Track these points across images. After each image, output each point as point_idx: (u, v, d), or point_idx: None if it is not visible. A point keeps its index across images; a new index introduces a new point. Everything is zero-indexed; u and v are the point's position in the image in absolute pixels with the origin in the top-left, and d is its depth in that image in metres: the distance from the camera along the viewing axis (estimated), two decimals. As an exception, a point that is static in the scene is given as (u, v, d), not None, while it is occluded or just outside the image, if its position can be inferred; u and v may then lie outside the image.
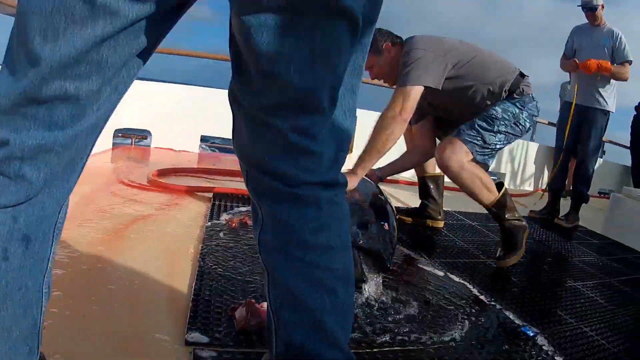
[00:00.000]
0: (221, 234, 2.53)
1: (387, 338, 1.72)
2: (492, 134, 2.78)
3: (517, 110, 2.83)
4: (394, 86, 3.07)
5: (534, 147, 7.46)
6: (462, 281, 2.45)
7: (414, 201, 3.73)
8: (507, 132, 2.82)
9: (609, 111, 4.50)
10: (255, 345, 1.53)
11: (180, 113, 5.35)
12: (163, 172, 3.86)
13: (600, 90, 4.43)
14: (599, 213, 5.47)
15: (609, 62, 4.29)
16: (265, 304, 1.70)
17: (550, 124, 7.34)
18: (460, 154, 2.74)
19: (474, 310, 2.11)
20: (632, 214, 4.54)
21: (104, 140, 4.82)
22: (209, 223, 2.70)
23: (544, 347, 1.88)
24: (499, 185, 2.87)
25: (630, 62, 4.34)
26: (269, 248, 1.04)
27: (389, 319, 1.88)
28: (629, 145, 7.73)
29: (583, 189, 4.62)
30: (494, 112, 2.80)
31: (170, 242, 2.39)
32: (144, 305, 1.72)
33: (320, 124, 0.96)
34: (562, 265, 3.26)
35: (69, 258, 1.99)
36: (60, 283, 1.75)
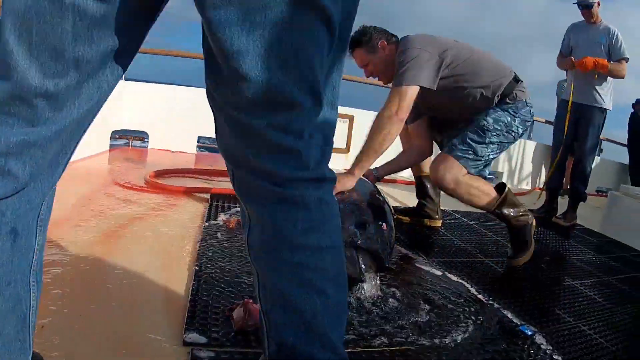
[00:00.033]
0: (218, 235, 2.53)
1: (385, 338, 1.71)
2: (483, 145, 2.78)
3: (509, 119, 2.82)
4: (388, 84, 3.09)
5: (531, 145, 7.47)
6: (460, 280, 2.45)
7: (412, 201, 3.72)
8: (499, 142, 2.83)
9: (605, 109, 4.50)
10: (253, 345, 1.52)
11: (177, 114, 5.35)
12: (160, 173, 3.86)
13: (597, 87, 4.42)
14: (596, 211, 5.47)
15: (606, 60, 4.29)
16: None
17: (547, 122, 7.34)
18: (454, 171, 2.75)
19: (472, 310, 2.11)
20: (629, 212, 4.54)
21: (101, 142, 4.82)
22: (207, 224, 2.70)
23: (542, 346, 1.88)
24: (502, 187, 2.88)
25: (626, 60, 4.34)
26: (257, 250, 1.03)
27: (387, 318, 1.87)
28: (626, 143, 7.75)
29: (580, 187, 4.62)
30: (485, 123, 2.80)
31: (167, 242, 2.39)
32: (142, 306, 1.72)
33: (300, 120, 0.93)
34: (560, 264, 3.26)
35: (68, 258, 2.00)
36: (59, 283, 1.76)
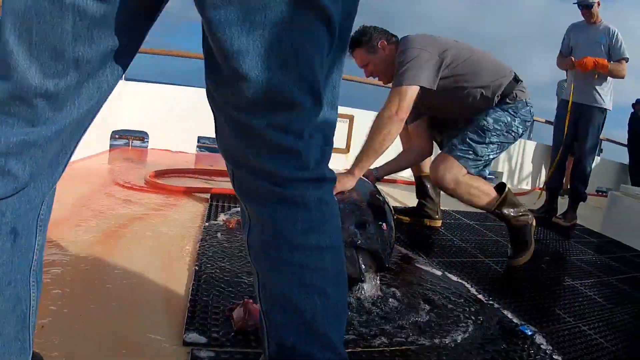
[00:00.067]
0: (218, 235, 2.53)
1: (385, 338, 1.71)
2: (483, 145, 2.78)
3: (509, 119, 2.82)
4: (388, 85, 3.09)
5: (531, 145, 7.47)
6: (460, 280, 2.45)
7: (412, 201, 3.72)
8: (499, 142, 2.82)
9: (605, 109, 4.49)
10: (253, 345, 1.52)
11: (177, 114, 5.35)
12: (160, 173, 3.86)
13: (597, 87, 4.42)
14: (596, 211, 5.47)
15: (606, 60, 4.29)
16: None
17: (547, 122, 7.34)
18: (454, 171, 2.75)
19: (472, 310, 2.10)
20: (629, 212, 4.54)
21: (101, 142, 4.82)
22: (207, 223, 2.70)
23: (542, 346, 1.88)
24: (502, 186, 2.88)
25: (626, 60, 4.33)
26: (257, 249, 1.03)
27: (387, 318, 1.87)
28: (626, 143, 7.74)
29: (580, 187, 4.61)
30: (485, 122, 2.80)
31: (167, 242, 2.39)
32: (142, 306, 1.72)
33: (300, 120, 0.93)
34: (560, 264, 3.26)
35: (68, 258, 2.00)
36: (59, 283, 1.76)
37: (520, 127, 2.87)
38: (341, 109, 5.35)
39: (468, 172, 2.77)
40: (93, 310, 1.63)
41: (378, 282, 2.06)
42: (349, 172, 2.53)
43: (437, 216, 3.52)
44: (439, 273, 2.50)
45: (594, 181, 6.75)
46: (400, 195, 4.64)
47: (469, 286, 2.39)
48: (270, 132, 0.91)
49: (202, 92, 0.99)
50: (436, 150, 3.39)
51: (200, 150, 5.70)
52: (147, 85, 5.48)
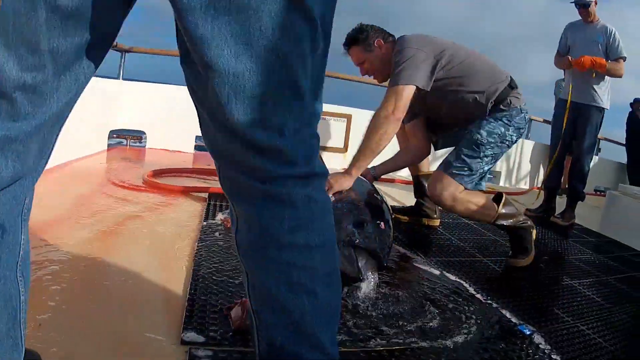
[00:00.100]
0: (216, 234, 2.53)
1: (383, 337, 1.71)
2: (478, 160, 2.77)
3: (503, 129, 2.79)
4: (383, 83, 3.09)
5: (529, 145, 7.47)
6: (458, 280, 2.44)
7: (410, 200, 3.73)
8: (493, 153, 2.81)
9: (603, 108, 4.49)
10: (250, 344, 1.52)
11: (174, 113, 5.33)
12: (158, 173, 3.85)
13: (595, 87, 4.42)
14: (595, 211, 5.47)
15: (604, 59, 4.29)
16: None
17: (545, 121, 7.34)
18: (451, 189, 2.75)
19: (470, 309, 2.10)
20: (628, 212, 4.54)
21: (99, 142, 4.81)
22: (204, 223, 2.70)
23: (540, 346, 1.88)
24: (499, 197, 2.88)
25: (624, 59, 4.34)
26: (245, 248, 1.02)
27: (385, 317, 1.87)
28: (624, 142, 7.76)
29: (579, 186, 4.62)
30: (479, 137, 2.77)
31: (165, 242, 2.38)
32: (140, 305, 1.72)
33: (279, 115, 0.90)
34: (559, 264, 3.26)
35: (66, 258, 1.99)
36: (57, 282, 1.75)
37: (515, 135, 2.85)
38: (339, 108, 5.37)
39: (465, 188, 2.77)
40: (91, 309, 1.63)
41: (377, 281, 2.06)
42: (347, 172, 2.53)
43: (435, 215, 3.52)
44: (437, 272, 2.50)
45: (592, 181, 6.76)
46: (398, 194, 4.64)
47: (468, 285, 2.38)
48: (248, 128, 0.88)
49: (201, 91, 0.97)
50: (435, 151, 3.40)
51: (198, 150, 5.68)
52: (145, 85, 5.47)
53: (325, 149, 5.80)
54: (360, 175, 2.63)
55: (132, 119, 5.18)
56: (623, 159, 8.14)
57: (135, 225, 2.58)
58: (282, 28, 0.84)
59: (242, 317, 1.58)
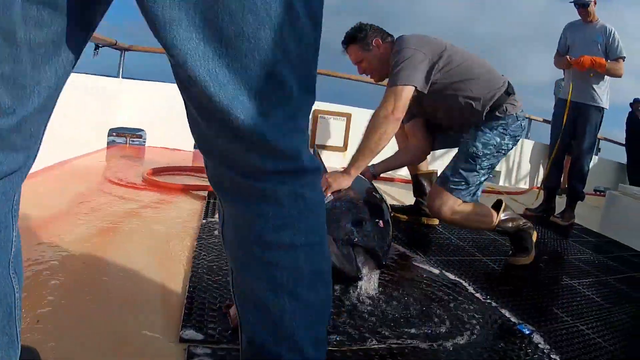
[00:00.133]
0: (216, 232, 2.52)
1: (382, 336, 1.71)
2: (475, 173, 2.76)
3: (499, 139, 2.77)
4: (379, 82, 3.08)
5: (529, 144, 7.47)
6: (457, 279, 2.44)
7: (410, 199, 3.73)
8: (489, 164, 2.80)
9: (603, 108, 4.49)
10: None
11: (174, 112, 5.30)
12: (158, 171, 3.85)
13: (594, 86, 4.42)
14: (594, 211, 5.47)
15: (603, 59, 4.29)
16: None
17: (545, 121, 7.34)
18: (449, 203, 2.75)
19: (469, 308, 2.10)
20: (628, 212, 4.53)
21: (99, 140, 4.81)
22: (204, 221, 2.70)
23: (539, 345, 1.88)
24: (498, 204, 2.88)
25: (623, 59, 4.34)
26: (230, 244, 1.00)
27: (384, 316, 1.87)
28: (624, 142, 7.76)
29: (578, 186, 4.62)
30: (474, 149, 2.76)
31: (164, 240, 2.38)
32: (139, 303, 1.72)
33: (263, 105, 0.84)
34: (558, 263, 3.26)
35: (64, 256, 1.99)
36: (55, 280, 1.75)
37: (511, 142, 2.84)
38: (339, 107, 5.38)
39: (463, 201, 2.77)
40: (90, 307, 1.62)
41: (375, 280, 2.06)
42: (345, 171, 2.52)
43: (434, 214, 3.52)
44: (436, 271, 2.50)
45: (592, 181, 6.76)
46: (398, 193, 4.64)
47: (467, 285, 2.38)
48: (230, 119, 0.84)
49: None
50: (433, 151, 3.40)
51: (198, 148, 5.68)
52: (145, 83, 5.47)
53: (324, 147, 5.80)
54: (359, 173, 2.62)
55: (131, 117, 5.18)
56: (623, 159, 8.15)
57: (135, 223, 2.57)
58: (253, 12, 0.78)
59: (241, 315, 1.58)
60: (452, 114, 2.94)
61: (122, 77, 5.25)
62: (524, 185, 7.42)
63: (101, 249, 2.13)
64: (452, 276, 2.47)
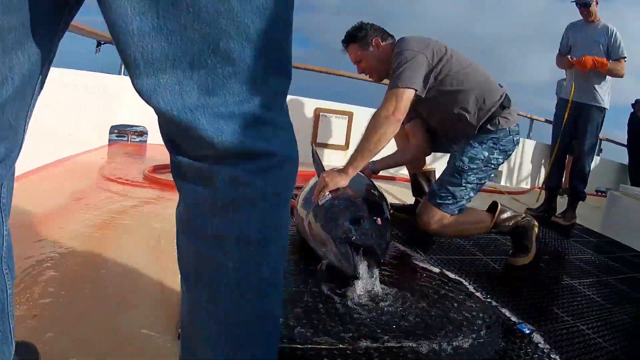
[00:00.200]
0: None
1: (380, 335, 1.70)
2: (461, 188, 2.74)
3: (487, 154, 2.75)
4: (378, 81, 3.10)
5: (530, 144, 7.47)
6: (457, 278, 2.44)
7: (411, 198, 3.73)
8: (477, 178, 2.77)
9: (604, 108, 4.49)
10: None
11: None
12: (159, 168, 3.85)
13: (596, 86, 4.42)
14: (596, 211, 5.46)
15: (605, 59, 4.28)
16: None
17: (547, 121, 7.34)
18: (437, 217, 2.74)
19: (469, 307, 2.09)
20: (629, 212, 4.53)
21: (100, 137, 4.81)
22: (203, 219, 2.69)
23: (539, 345, 1.87)
24: (494, 205, 2.87)
25: (625, 59, 4.33)
26: (177, 227, 0.92)
27: (383, 315, 1.86)
28: (626, 143, 7.75)
29: (580, 186, 4.61)
30: (460, 164, 2.74)
31: (163, 237, 2.38)
32: (137, 300, 1.71)
33: (198, 83, 0.77)
34: (559, 263, 3.25)
35: (62, 252, 1.99)
36: (53, 278, 1.75)
37: (501, 157, 2.81)
38: (340, 106, 5.38)
39: (452, 215, 2.76)
40: (88, 305, 1.62)
41: (374, 278, 2.05)
42: (343, 170, 2.50)
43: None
44: (436, 270, 2.49)
45: (593, 181, 6.74)
46: (399, 192, 4.63)
47: (467, 284, 2.38)
48: (156, 99, 0.80)
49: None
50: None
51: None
52: (147, 81, 5.46)
53: (326, 146, 5.81)
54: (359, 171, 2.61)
55: (133, 114, 5.18)
56: (624, 159, 8.14)
57: (134, 220, 2.57)
58: None
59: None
60: (445, 123, 2.93)
61: (124, 75, 5.25)
62: (525, 185, 7.42)
63: (100, 246, 2.12)
64: (452, 275, 2.46)
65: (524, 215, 2.91)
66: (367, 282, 2.01)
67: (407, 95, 2.58)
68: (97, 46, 4.69)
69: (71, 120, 3.86)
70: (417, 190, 3.56)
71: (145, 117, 5.30)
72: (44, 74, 0.86)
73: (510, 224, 2.84)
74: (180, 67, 0.76)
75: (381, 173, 3.59)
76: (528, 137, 7.60)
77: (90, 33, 4.45)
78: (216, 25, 0.74)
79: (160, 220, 2.61)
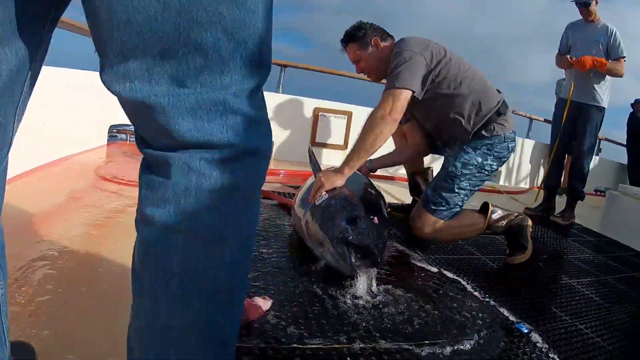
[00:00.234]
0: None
1: (378, 334, 1.70)
2: (454, 194, 2.74)
3: (480, 159, 2.75)
4: (377, 81, 3.10)
5: (529, 144, 7.47)
6: (456, 277, 2.44)
7: (410, 197, 3.72)
8: (470, 184, 2.76)
9: (603, 107, 4.50)
10: (243, 340, 1.51)
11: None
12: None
13: (595, 86, 4.42)
14: (595, 211, 5.46)
15: (604, 59, 4.28)
16: (255, 299, 1.69)
17: (546, 120, 7.34)
18: (430, 223, 2.75)
19: (467, 307, 2.09)
20: (628, 212, 4.53)
21: (99, 136, 4.80)
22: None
23: (538, 344, 1.87)
24: (484, 207, 2.86)
25: (624, 58, 4.33)
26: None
27: (381, 315, 1.86)
28: (625, 143, 7.75)
29: (579, 185, 4.62)
30: (453, 169, 2.75)
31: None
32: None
33: (179, 77, 0.75)
34: (558, 263, 3.25)
35: (60, 252, 1.98)
36: (51, 277, 1.74)
37: (495, 163, 2.80)
38: (339, 105, 5.37)
39: (444, 221, 2.77)
40: (84, 303, 1.62)
41: (372, 278, 2.05)
42: (339, 170, 2.49)
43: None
44: (434, 270, 2.49)
45: (592, 181, 6.75)
46: (398, 192, 4.63)
47: (465, 283, 2.38)
48: (135, 84, 0.75)
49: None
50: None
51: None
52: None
53: (325, 145, 5.80)
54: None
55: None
56: (623, 159, 8.14)
57: (132, 219, 2.56)
58: None
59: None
60: (440, 126, 2.93)
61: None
62: (524, 184, 7.41)
63: (97, 245, 2.12)
64: (450, 274, 2.46)
65: (516, 213, 2.90)
66: (364, 282, 2.00)
67: (404, 96, 2.57)
68: (96, 46, 4.68)
69: (70, 119, 3.85)
70: (414, 189, 3.56)
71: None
72: (33, 70, 0.84)
73: (504, 223, 2.83)
74: (150, 56, 0.73)
75: (380, 173, 3.59)
76: (527, 136, 7.60)
77: (90, 33, 4.45)
78: (187, 15, 0.71)
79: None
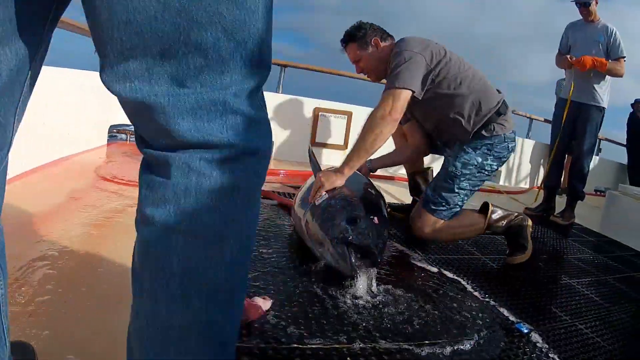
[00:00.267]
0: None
1: (378, 334, 1.70)
2: (454, 194, 2.74)
3: (480, 159, 2.75)
4: (377, 81, 3.10)
5: (529, 144, 7.46)
6: (456, 277, 2.44)
7: (410, 197, 3.72)
8: (470, 184, 2.77)
9: (603, 107, 4.50)
10: (244, 339, 1.51)
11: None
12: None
13: (596, 86, 4.42)
14: (595, 210, 5.46)
15: (604, 59, 4.28)
16: (255, 299, 1.70)
17: (546, 120, 7.34)
18: (430, 223, 2.76)
19: (467, 307, 2.09)
20: (628, 212, 4.53)
21: (99, 136, 4.80)
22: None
23: (538, 344, 1.87)
24: (484, 207, 2.86)
25: (624, 58, 4.33)
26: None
27: (380, 315, 1.86)
28: (625, 143, 7.76)
29: (579, 185, 4.62)
30: (453, 169, 2.75)
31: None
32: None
33: (178, 77, 0.75)
34: (558, 263, 3.25)
35: (60, 252, 1.98)
36: (50, 277, 1.74)
37: (495, 163, 2.80)
38: (339, 105, 5.37)
39: (445, 221, 2.77)
40: (84, 303, 1.61)
41: (372, 278, 2.05)
42: (339, 170, 2.49)
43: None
44: (434, 270, 2.49)
45: (592, 181, 6.75)
46: (398, 192, 4.63)
47: (465, 283, 2.38)
48: (135, 83, 0.75)
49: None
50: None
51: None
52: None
53: (325, 145, 5.81)
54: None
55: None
56: (624, 159, 8.14)
57: (132, 219, 2.56)
58: None
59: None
60: (440, 126, 2.93)
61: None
62: (524, 184, 7.41)
63: (97, 246, 2.12)
64: (450, 274, 2.46)
65: (516, 213, 2.90)
66: (364, 282, 2.00)
67: (404, 96, 2.57)
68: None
69: (70, 119, 3.86)
70: (414, 189, 3.56)
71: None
72: (33, 70, 0.84)
73: (504, 223, 2.83)
74: (150, 56, 0.73)
75: (380, 173, 3.59)
76: (527, 136, 7.60)
77: (90, 33, 4.45)
78: (187, 15, 0.71)
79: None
